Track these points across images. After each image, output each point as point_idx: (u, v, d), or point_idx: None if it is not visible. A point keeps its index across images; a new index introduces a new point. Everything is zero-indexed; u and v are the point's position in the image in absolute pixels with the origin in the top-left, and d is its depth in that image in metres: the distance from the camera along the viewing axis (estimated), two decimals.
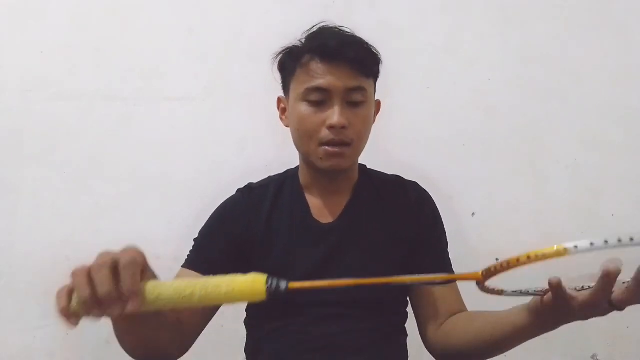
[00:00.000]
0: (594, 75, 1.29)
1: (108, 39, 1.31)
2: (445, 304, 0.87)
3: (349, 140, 0.82)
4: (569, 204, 1.28)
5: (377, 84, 0.91)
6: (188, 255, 0.89)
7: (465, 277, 0.54)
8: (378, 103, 0.93)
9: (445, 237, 0.95)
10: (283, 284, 0.51)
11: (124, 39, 1.31)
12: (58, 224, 1.28)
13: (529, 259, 0.46)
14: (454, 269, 0.92)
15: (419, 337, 0.91)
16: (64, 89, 1.30)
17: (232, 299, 0.50)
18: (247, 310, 0.95)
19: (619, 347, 1.27)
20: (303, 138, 0.84)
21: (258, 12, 1.31)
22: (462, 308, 0.88)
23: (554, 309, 0.60)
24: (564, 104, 1.29)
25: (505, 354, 0.76)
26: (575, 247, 0.42)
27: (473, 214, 1.29)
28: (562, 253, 0.43)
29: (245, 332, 0.93)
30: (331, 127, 0.80)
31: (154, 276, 0.55)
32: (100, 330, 1.31)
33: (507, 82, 1.30)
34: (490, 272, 0.51)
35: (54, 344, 1.27)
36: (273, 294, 0.51)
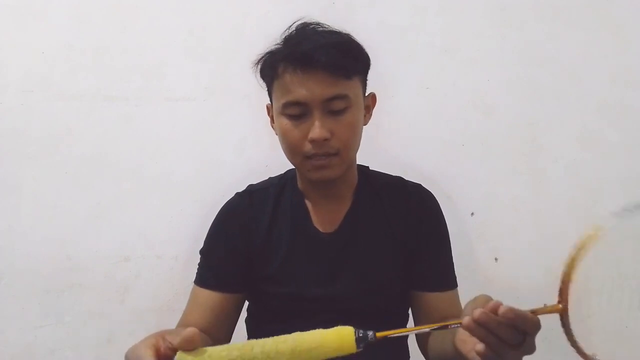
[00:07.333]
0: (592, 75, 1.29)
1: (109, 39, 1.31)
2: (438, 313, 0.86)
3: (334, 150, 0.79)
4: (568, 203, 1.28)
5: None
6: (197, 271, 0.89)
7: (547, 311, 0.53)
8: (373, 97, 0.89)
9: (448, 239, 0.93)
10: (371, 334, 0.52)
11: (125, 40, 1.31)
12: (58, 224, 1.28)
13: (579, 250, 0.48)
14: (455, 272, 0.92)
15: None
16: (64, 89, 1.30)
17: (322, 355, 0.50)
18: (247, 309, 0.95)
19: (618, 347, 1.27)
20: (288, 152, 0.83)
21: (258, 13, 1.31)
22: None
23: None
24: (562, 103, 1.29)
25: None
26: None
27: (472, 213, 1.29)
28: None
29: (246, 331, 0.94)
30: (313, 141, 0.77)
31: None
32: (101, 330, 1.32)
33: (506, 83, 1.30)
34: (561, 291, 0.51)
35: (54, 343, 1.27)
36: (364, 345, 0.52)
